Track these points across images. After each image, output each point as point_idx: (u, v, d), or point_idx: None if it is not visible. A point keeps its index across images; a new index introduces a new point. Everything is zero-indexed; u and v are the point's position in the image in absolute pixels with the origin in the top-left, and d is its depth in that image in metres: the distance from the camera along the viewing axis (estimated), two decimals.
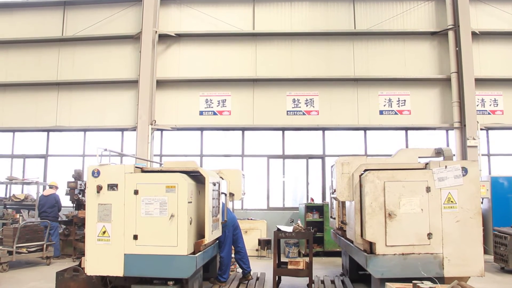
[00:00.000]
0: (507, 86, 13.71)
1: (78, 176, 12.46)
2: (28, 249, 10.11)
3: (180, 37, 14.28)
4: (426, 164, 6.23)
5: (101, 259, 6.19)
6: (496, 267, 9.99)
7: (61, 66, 14.56)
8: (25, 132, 14.84)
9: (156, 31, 13.92)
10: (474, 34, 13.47)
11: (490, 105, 13.69)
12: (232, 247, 8.35)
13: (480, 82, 13.45)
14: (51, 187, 11.94)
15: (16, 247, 9.77)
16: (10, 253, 9.70)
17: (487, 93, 13.70)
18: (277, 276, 7.84)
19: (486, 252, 8.21)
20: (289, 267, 7.76)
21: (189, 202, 6.19)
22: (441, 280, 5.58)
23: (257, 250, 11.90)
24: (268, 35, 14.13)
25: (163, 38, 14.20)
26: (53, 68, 14.57)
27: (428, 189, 5.96)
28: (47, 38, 14.59)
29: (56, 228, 11.43)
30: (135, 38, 14.19)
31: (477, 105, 13.39)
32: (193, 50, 14.28)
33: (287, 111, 13.89)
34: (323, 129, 13.97)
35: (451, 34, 13.54)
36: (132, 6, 14.45)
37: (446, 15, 13.68)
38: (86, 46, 14.58)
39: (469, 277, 5.97)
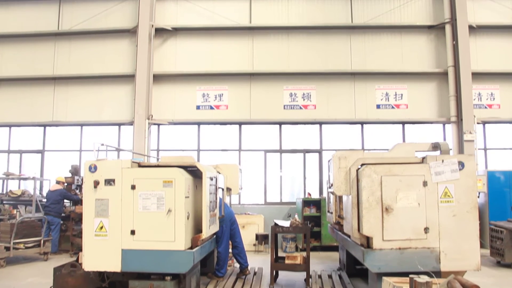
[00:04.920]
0: (504, 80, 13.72)
1: (75, 171, 12.46)
2: (26, 245, 10.10)
3: (177, 31, 14.21)
4: (423, 158, 6.23)
5: (99, 255, 6.18)
6: (492, 261, 10.03)
7: (57, 60, 14.49)
8: (21, 127, 14.77)
9: (152, 25, 13.86)
10: (471, 27, 13.44)
11: (487, 99, 13.70)
12: (230, 242, 8.37)
13: (477, 76, 13.45)
14: (58, 182, 11.89)
15: (14, 242, 9.75)
16: (7, 248, 9.68)
17: (484, 87, 13.71)
18: (274, 271, 7.86)
19: (482, 246, 8.22)
20: (287, 261, 7.78)
21: (186, 197, 6.18)
22: (438, 274, 5.59)
23: (254, 245, 11.92)
24: (265, 28, 14.09)
25: (160, 32, 14.14)
26: (49, 62, 14.49)
27: (425, 183, 5.97)
28: (43, 32, 14.50)
29: (57, 224, 11.41)
30: (131, 32, 14.12)
31: (474, 99, 13.40)
32: (190, 44, 14.22)
33: (284, 105, 13.87)
34: (320, 123, 13.97)
35: (448, 27, 13.51)
36: (128, 0, 14.37)
37: (443, 8, 13.65)
38: (82, 40, 14.50)
39: (466, 271, 5.99)
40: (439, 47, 13.79)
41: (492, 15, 13.84)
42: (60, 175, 12.18)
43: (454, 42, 13.40)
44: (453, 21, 13.43)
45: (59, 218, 11.51)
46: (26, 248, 10.11)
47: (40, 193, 13.57)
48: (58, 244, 11.52)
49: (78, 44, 14.52)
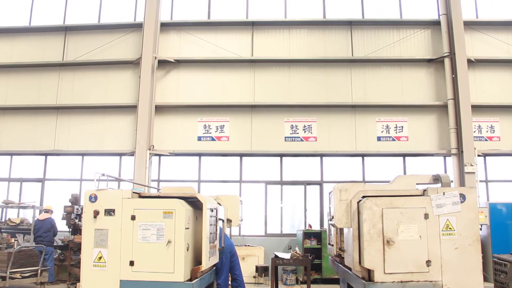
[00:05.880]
0: (503, 112, 13.82)
1: (75, 200, 12.41)
2: (22, 275, 9.93)
3: (179, 63, 14.41)
4: (424, 190, 6.21)
5: (97, 285, 6.09)
6: None
7: (61, 90, 14.65)
8: (22, 156, 14.81)
9: (155, 57, 14.06)
10: (469, 61, 13.63)
11: (487, 131, 13.76)
12: (229, 274, 8.26)
13: (477, 108, 13.55)
14: (46, 211, 11.85)
15: (10, 272, 9.60)
16: (3, 278, 9.52)
17: (483, 120, 13.79)
18: None
19: (486, 279, 8.12)
20: None
21: (186, 228, 6.14)
22: None
23: (254, 277, 11.77)
24: (267, 61, 14.29)
25: (163, 63, 14.34)
26: (53, 92, 14.64)
27: (426, 216, 5.94)
28: (48, 62, 14.74)
29: (51, 253, 11.28)
30: (134, 63, 14.32)
31: (474, 132, 13.46)
32: (192, 75, 14.39)
33: (285, 137, 13.93)
34: (321, 155, 13.99)
35: (447, 61, 13.71)
36: (132, 32, 14.64)
37: (442, 42, 13.87)
38: (86, 71, 14.70)
39: None
40: (438, 80, 13.95)
41: (489, 50, 14.04)
42: (48, 204, 12.27)
43: (453, 76, 13.56)
44: (452, 55, 13.64)
45: (51, 247, 11.40)
46: (23, 277, 9.93)
47: None
48: (56, 274, 11.39)
49: (81, 75, 14.70)
